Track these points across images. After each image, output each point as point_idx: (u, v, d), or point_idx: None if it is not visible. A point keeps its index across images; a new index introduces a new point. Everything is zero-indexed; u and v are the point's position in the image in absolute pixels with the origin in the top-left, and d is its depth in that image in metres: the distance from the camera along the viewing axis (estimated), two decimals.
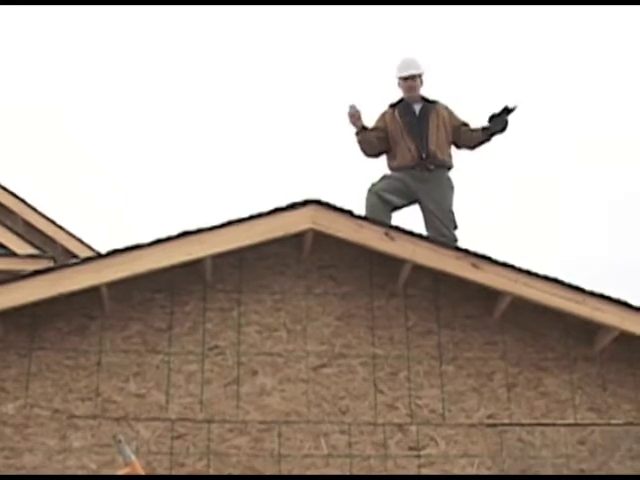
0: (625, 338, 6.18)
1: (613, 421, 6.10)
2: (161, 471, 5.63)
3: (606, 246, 29.57)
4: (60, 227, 11.58)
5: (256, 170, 29.23)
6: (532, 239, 26.88)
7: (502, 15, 30.38)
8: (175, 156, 31.21)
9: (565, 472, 5.91)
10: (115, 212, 25.68)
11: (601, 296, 6.09)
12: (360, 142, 7.61)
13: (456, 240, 7.18)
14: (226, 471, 5.68)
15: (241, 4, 25.94)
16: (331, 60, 29.53)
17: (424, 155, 7.36)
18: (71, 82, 29.98)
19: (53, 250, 10.94)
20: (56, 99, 29.11)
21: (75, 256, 10.63)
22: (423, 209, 7.39)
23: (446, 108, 7.64)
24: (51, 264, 8.48)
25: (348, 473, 5.75)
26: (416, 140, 7.41)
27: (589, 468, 5.94)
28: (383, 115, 7.65)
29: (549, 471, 5.89)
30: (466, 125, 7.59)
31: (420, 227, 7.26)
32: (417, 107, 7.59)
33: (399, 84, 7.69)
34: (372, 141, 7.57)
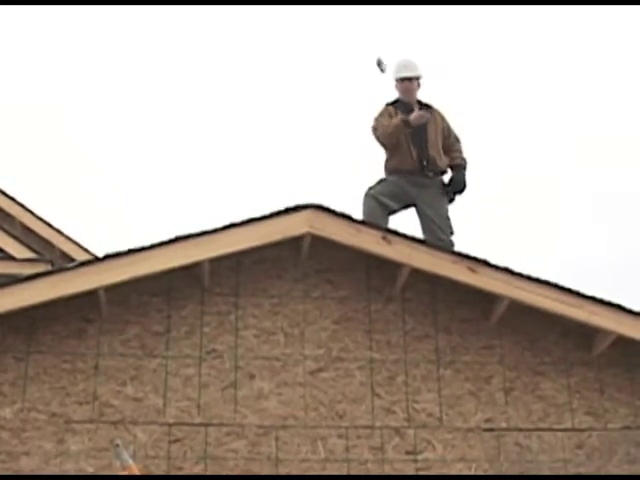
0: (622, 342, 6.18)
1: (610, 425, 6.09)
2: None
3: (605, 246, 29.60)
4: (58, 230, 11.56)
5: (255, 173, 29.25)
6: (531, 239, 26.89)
7: (502, 15, 30.36)
8: (175, 157, 31.21)
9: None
10: (115, 212, 25.68)
11: (598, 300, 6.08)
12: (396, 132, 7.41)
13: (453, 245, 7.18)
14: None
15: (241, 4, 25.93)
16: (330, 63, 29.51)
17: (425, 162, 7.38)
18: (71, 82, 29.98)
19: (51, 254, 10.93)
20: (56, 99, 29.11)
21: (73, 259, 10.62)
22: (420, 214, 7.39)
23: (442, 116, 7.67)
24: (49, 267, 8.48)
25: None
26: (417, 146, 7.41)
27: (586, 472, 5.92)
28: (388, 112, 7.60)
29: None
30: (458, 140, 7.63)
31: (417, 231, 7.26)
32: (416, 110, 7.59)
33: (396, 85, 7.70)
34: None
